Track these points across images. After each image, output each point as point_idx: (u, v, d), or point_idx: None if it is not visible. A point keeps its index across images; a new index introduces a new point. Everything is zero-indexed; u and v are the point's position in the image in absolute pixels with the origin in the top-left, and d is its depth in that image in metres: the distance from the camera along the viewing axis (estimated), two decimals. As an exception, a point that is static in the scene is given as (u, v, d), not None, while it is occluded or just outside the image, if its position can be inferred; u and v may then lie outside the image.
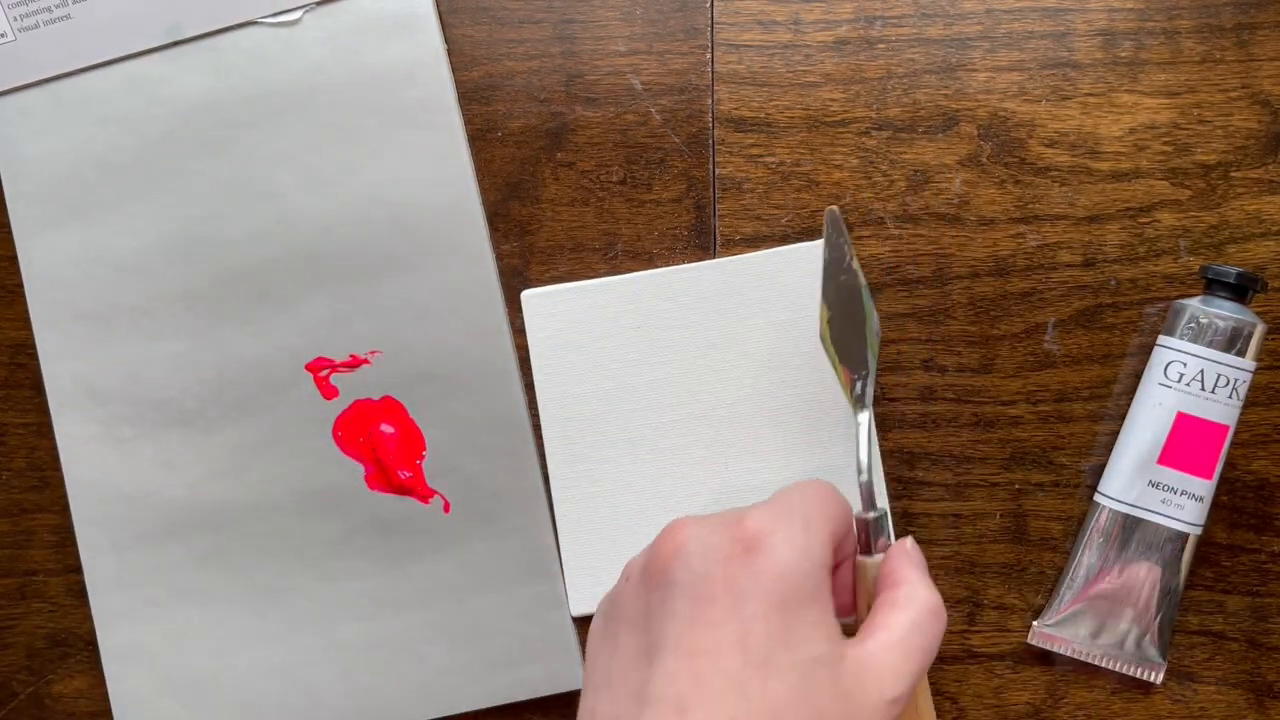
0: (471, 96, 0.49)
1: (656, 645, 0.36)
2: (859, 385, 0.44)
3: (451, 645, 0.49)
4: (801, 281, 0.48)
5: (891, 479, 0.48)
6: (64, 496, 0.51)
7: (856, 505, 0.42)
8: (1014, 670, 0.48)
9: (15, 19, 0.50)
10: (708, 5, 0.49)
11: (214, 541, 0.50)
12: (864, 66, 0.48)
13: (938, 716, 0.47)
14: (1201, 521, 0.46)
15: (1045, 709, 0.48)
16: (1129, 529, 0.45)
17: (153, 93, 0.50)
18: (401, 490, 0.49)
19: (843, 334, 0.44)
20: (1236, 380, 0.45)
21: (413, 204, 0.49)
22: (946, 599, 0.48)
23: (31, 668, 0.51)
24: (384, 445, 0.49)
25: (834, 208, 0.44)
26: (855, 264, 0.44)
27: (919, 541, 0.48)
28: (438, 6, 0.49)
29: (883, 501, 0.41)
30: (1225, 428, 0.45)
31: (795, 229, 0.48)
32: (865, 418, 0.43)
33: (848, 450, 0.47)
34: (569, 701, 0.49)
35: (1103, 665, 0.46)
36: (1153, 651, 0.46)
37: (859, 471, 0.42)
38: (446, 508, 0.49)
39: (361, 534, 0.49)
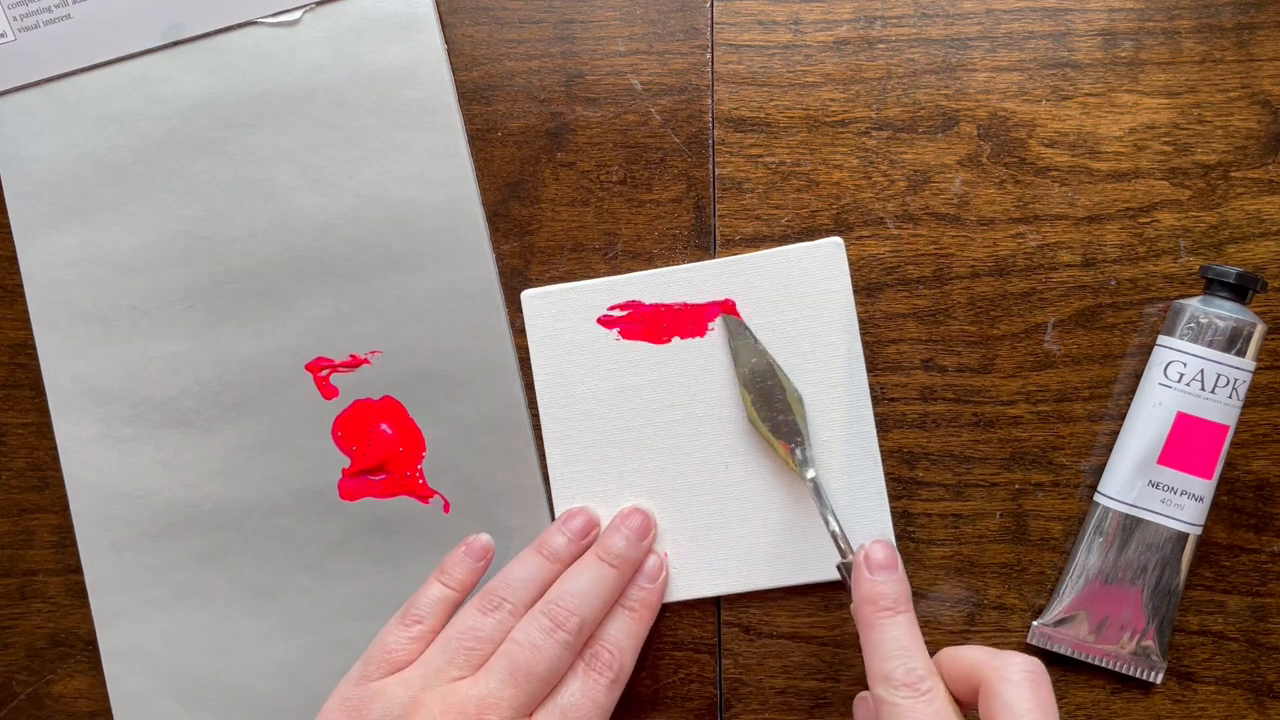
0: (471, 96, 0.49)
1: None
2: (798, 452, 0.46)
3: (451, 645, 0.49)
4: (801, 281, 0.48)
5: (891, 479, 0.48)
6: (64, 496, 0.51)
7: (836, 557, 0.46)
8: (1014, 670, 0.48)
9: (15, 19, 0.50)
10: (708, 5, 0.49)
11: (214, 541, 0.50)
12: (864, 66, 0.48)
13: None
14: (1201, 521, 0.46)
15: (1045, 709, 0.48)
16: (1129, 529, 0.45)
17: (153, 92, 0.50)
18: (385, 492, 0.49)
19: (768, 411, 0.47)
20: (1236, 380, 0.45)
21: (413, 204, 0.49)
22: (946, 599, 0.48)
23: (31, 668, 0.51)
24: (383, 445, 0.49)
25: (729, 316, 0.47)
26: (760, 345, 0.47)
27: (920, 541, 0.48)
28: (438, 6, 0.49)
29: (853, 551, 0.44)
30: (1225, 428, 0.45)
31: (795, 229, 0.48)
32: (813, 475, 0.46)
33: (849, 449, 0.47)
34: (569, 701, 0.49)
35: (1103, 665, 0.46)
36: (1153, 651, 0.46)
37: (826, 523, 0.45)
38: (446, 508, 0.49)
39: (361, 534, 0.49)
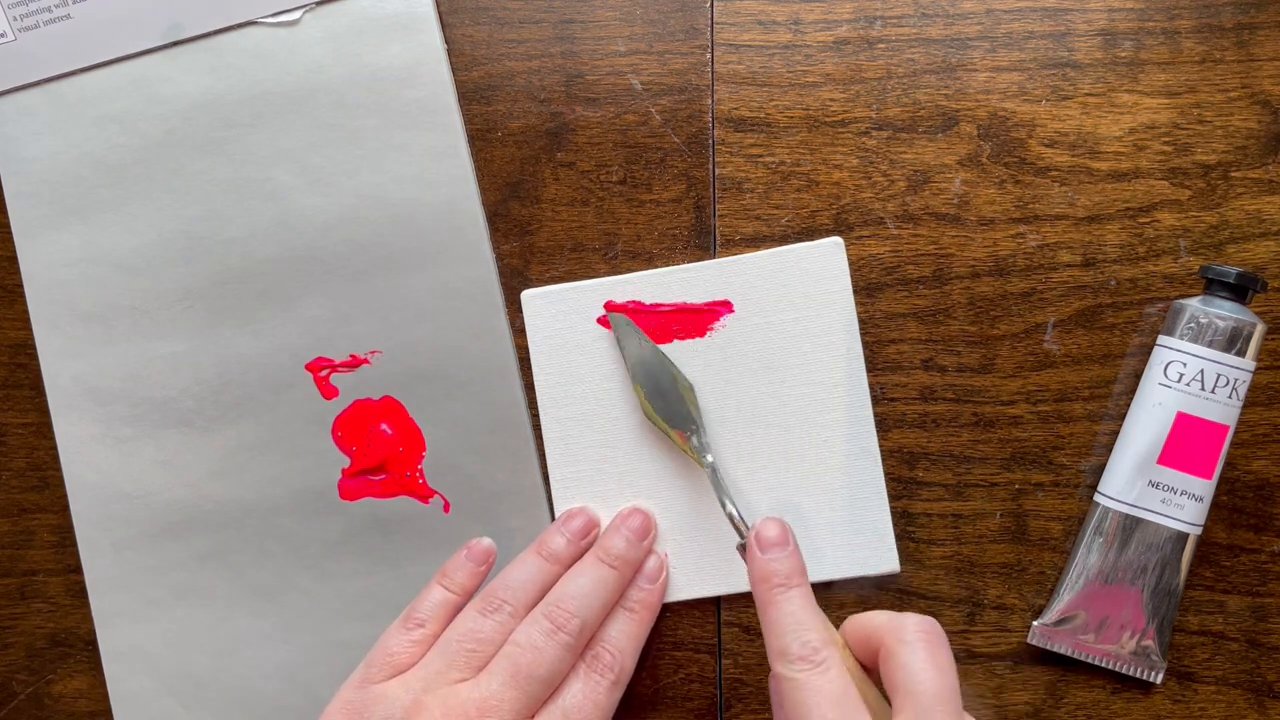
0: (471, 96, 0.49)
1: None
2: (693, 439, 0.47)
3: (451, 645, 0.49)
4: (802, 282, 0.48)
5: (891, 479, 0.48)
6: (64, 496, 0.51)
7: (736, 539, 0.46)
8: (1014, 670, 0.48)
9: (15, 19, 0.50)
10: (708, 5, 0.49)
11: (214, 541, 0.50)
12: (864, 66, 0.48)
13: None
14: (1201, 521, 0.46)
15: (1045, 709, 0.48)
16: (1129, 529, 0.45)
17: (153, 93, 0.50)
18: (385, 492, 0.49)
19: (661, 403, 0.47)
20: (1236, 380, 0.45)
21: (413, 204, 0.49)
22: (946, 599, 0.48)
23: (31, 668, 0.51)
24: (383, 445, 0.49)
25: (615, 314, 0.48)
26: (646, 339, 0.47)
27: (920, 541, 0.48)
28: (438, 6, 0.49)
29: (748, 531, 0.45)
30: (1225, 428, 0.45)
31: (795, 229, 0.48)
32: (710, 460, 0.46)
33: (849, 449, 0.47)
34: (569, 701, 0.49)
35: (1103, 665, 0.46)
36: (1153, 651, 0.46)
37: (722, 506, 0.45)
38: (446, 508, 0.49)
39: (361, 534, 0.49)
